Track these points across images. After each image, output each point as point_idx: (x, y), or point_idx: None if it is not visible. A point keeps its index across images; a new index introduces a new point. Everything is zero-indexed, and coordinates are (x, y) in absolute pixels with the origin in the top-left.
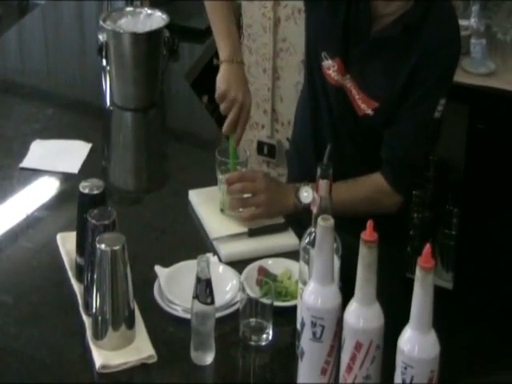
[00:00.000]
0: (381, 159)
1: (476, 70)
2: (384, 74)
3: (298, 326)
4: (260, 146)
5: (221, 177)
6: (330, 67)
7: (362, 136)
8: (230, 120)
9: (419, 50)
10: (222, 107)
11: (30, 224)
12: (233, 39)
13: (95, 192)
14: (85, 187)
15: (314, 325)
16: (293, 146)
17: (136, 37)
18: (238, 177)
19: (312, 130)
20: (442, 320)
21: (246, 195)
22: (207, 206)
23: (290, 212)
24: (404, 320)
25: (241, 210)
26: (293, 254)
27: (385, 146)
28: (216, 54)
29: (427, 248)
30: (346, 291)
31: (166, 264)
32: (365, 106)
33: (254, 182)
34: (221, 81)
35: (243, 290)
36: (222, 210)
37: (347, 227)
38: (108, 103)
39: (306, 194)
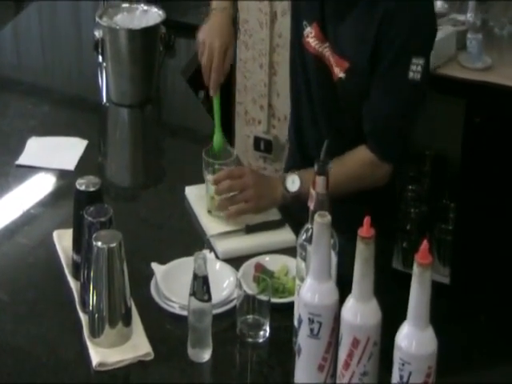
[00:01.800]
0: (364, 134)
1: (472, 64)
2: (353, 32)
3: (296, 323)
4: (257, 141)
5: (208, 177)
6: (309, 34)
7: (337, 112)
8: (203, 65)
9: (382, 9)
10: (199, 55)
11: (26, 221)
12: None
13: (92, 189)
14: (81, 184)
15: (311, 321)
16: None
17: (132, 33)
18: (225, 175)
19: (294, 110)
20: (439, 315)
21: (233, 193)
22: (204, 202)
23: (279, 204)
24: (397, 313)
25: (229, 208)
26: (290, 251)
27: (365, 120)
28: None
29: (425, 244)
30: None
31: (163, 261)
32: (338, 70)
33: (241, 179)
34: (200, 30)
35: (240, 286)
36: (209, 212)
37: (342, 226)
38: (104, 99)
39: (293, 183)
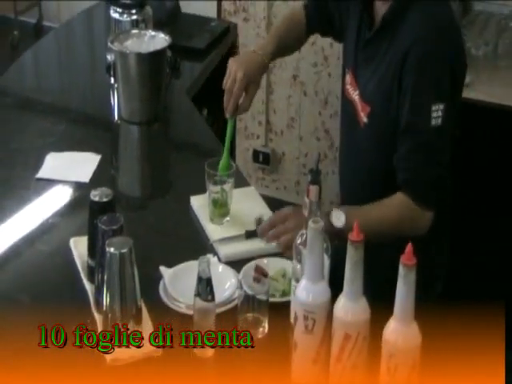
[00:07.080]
0: (399, 185)
1: None
2: (374, 76)
3: (292, 320)
4: (255, 154)
5: (211, 188)
6: (347, 81)
7: (358, 153)
8: (225, 88)
9: (398, 52)
10: (225, 78)
11: (45, 229)
12: (268, 41)
13: (105, 200)
14: (95, 195)
15: (306, 318)
16: None
17: (141, 57)
18: (270, 224)
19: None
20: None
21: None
22: (207, 210)
23: None
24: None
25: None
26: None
27: (398, 172)
28: (215, 71)
29: (409, 246)
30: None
31: (170, 264)
32: (363, 115)
33: (284, 224)
34: (232, 59)
35: (241, 287)
36: (211, 220)
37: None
38: (116, 117)
39: (338, 218)
